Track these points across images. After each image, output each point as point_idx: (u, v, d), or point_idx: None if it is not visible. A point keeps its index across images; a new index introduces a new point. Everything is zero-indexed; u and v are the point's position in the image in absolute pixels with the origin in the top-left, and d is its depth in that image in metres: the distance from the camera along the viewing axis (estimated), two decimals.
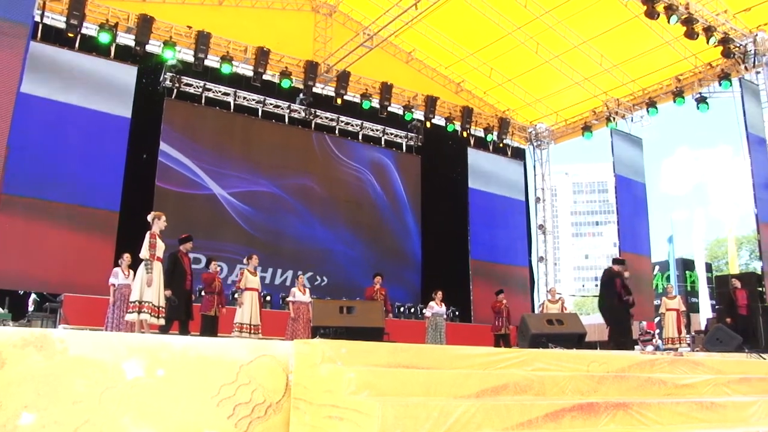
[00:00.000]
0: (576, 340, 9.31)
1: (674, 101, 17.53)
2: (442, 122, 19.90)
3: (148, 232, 8.55)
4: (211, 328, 10.93)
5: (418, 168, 20.42)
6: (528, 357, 5.86)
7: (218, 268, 11.68)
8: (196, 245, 10.86)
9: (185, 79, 16.37)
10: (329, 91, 18.17)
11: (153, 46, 15.55)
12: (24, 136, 13.02)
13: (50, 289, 13.24)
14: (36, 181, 13.36)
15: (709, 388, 6.21)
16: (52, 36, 14.28)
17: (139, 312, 8.31)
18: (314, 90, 17.73)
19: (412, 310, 17.88)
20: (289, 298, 12.41)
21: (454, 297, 17.60)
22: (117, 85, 14.79)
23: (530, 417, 4.29)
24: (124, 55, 15.16)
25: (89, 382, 4.01)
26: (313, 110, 18.28)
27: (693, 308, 25.49)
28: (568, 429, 4.41)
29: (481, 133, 20.68)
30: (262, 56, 16.56)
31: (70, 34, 14.26)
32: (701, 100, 17.09)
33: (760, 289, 14.88)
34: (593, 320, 23.53)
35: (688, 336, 15.81)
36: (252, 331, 11.02)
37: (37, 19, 13.52)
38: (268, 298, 15.15)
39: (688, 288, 27.99)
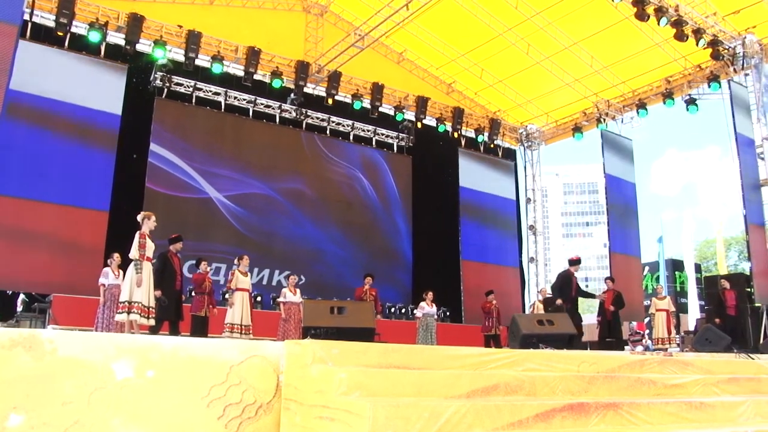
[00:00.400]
0: (566, 340, 9.33)
1: (664, 103, 17.61)
2: (433, 123, 19.93)
3: (138, 232, 8.52)
4: (201, 328, 10.90)
5: (409, 168, 20.42)
6: (519, 357, 5.87)
7: (208, 269, 11.64)
8: (186, 246, 10.83)
9: (176, 79, 16.30)
10: (320, 91, 18.16)
11: (143, 46, 15.49)
12: (13, 135, 12.97)
13: (39, 290, 13.15)
14: (25, 181, 13.29)
15: (698, 388, 6.23)
16: (42, 35, 14.18)
17: (129, 312, 8.27)
18: (305, 90, 17.72)
19: (403, 310, 17.87)
20: (280, 299, 12.39)
21: (444, 297, 17.61)
22: (107, 84, 14.74)
23: (521, 417, 4.29)
24: (114, 54, 15.10)
25: (79, 383, 3.99)
26: (304, 110, 18.24)
27: (682, 309, 25.61)
28: (558, 429, 4.42)
29: (472, 134, 20.72)
30: (253, 56, 16.53)
31: (60, 33, 14.19)
32: (691, 101, 17.17)
33: (749, 289, 14.97)
34: (584, 321, 23.60)
35: (677, 336, 15.90)
36: (243, 332, 11.01)
37: (27, 17, 13.46)
38: (259, 298, 15.12)
39: (678, 288, 28.13)
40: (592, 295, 13.89)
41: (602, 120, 19.14)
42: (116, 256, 10.71)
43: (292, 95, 17.78)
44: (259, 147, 17.79)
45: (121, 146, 14.71)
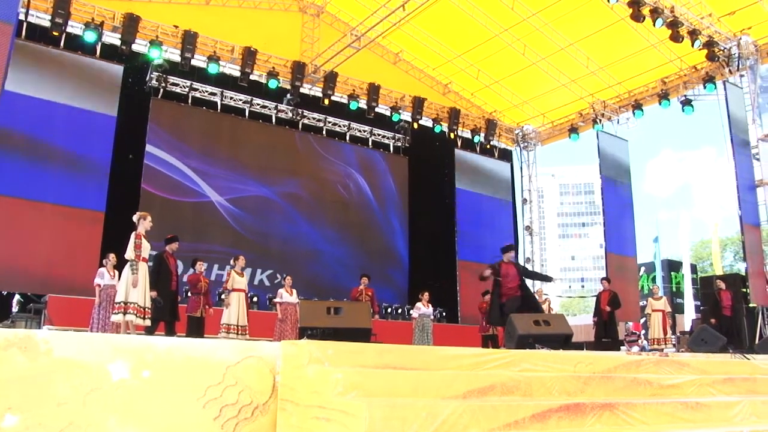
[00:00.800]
0: (563, 340, 9.33)
1: (660, 103, 17.64)
2: (429, 123, 19.93)
3: (134, 233, 8.50)
4: (197, 329, 10.88)
5: (405, 169, 20.43)
6: (515, 358, 5.87)
7: (203, 269, 11.62)
8: (182, 247, 10.81)
9: (171, 79, 16.30)
10: (316, 91, 18.15)
11: (139, 46, 15.46)
12: (8, 134, 12.95)
13: (34, 290, 13.14)
14: (21, 181, 13.26)
15: (694, 389, 6.23)
16: (37, 34, 14.16)
17: (125, 313, 8.26)
18: (301, 90, 17.72)
19: (399, 311, 17.87)
20: (277, 299, 12.39)
21: (441, 298, 17.61)
22: (103, 84, 14.73)
23: (517, 418, 4.29)
24: (109, 54, 15.08)
25: (74, 384, 3.98)
26: (300, 111, 18.25)
27: (678, 309, 25.65)
28: (554, 429, 4.42)
29: (468, 135, 20.74)
30: (249, 56, 16.52)
31: (55, 33, 14.18)
32: (686, 102, 17.23)
33: (744, 290, 15.01)
34: (580, 321, 23.65)
35: (673, 337, 15.92)
36: (239, 332, 11.00)
37: (22, 17, 13.42)
38: (255, 299, 15.11)
39: (674, 289, 28.19)
40: (545, 277, 13.62)
41: (598, 121, 19.16)
42: (112, 256, 10.70)
43: (288, 95, 17.79)
44: (256, 147, 17.79)
45: (117, 146, 14.68)
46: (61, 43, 14.41)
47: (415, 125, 19.57)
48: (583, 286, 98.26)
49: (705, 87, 16.65)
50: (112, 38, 15.16)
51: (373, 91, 18.54)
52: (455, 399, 4.61)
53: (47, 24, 14.19)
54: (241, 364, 4.52)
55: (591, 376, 5.83)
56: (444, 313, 18.39)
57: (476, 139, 20.71)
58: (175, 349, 4.38)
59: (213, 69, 16.15)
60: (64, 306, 12.35)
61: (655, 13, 14.10)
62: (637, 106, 18.35)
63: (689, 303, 27.78)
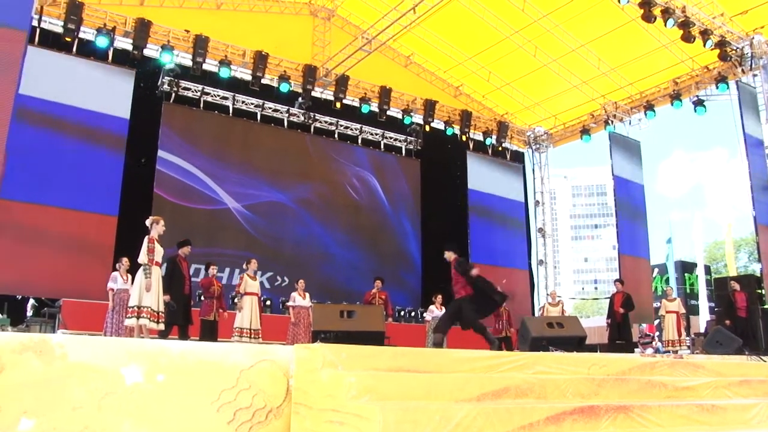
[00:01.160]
0: (576, 342, 9.31)
1: (672, 104, 17.53)
2: (441, 126, 19.91)
3: (147, 237, 8.53)
4: (210, 332, 10.91)
5: (417, 172, 20.42)
6: (529, 360, 5.85)
7: (215, 272, 11.65)
8: (195, 252, 10.84)
9: (183, 83, 16.37)
10: (328, 95, 18.16)
11: (151, 50, 15.53)
12: (22, 140, 13.02)
13: (49, 294, 13.21)
14: (34, 186, 13.34)
15: (709, 391, 6.20)
16: (50, 40, 14.24)
17: (138, 317, 8.28)
18: (313, 94, 17.73)
19: (413, 314, 17.86)
20: (290, 303, 12.40)
21: None
22: (115, 89, 14.78)
23: (531, 420, 4.28)
24: (121, 59, 15.14)
25: (89, 388, 3.99)
26: (311, 114, 18.28)
27: (692, 310, 25.50)
28: None
29: (480, 137, 20.69)
30: (260, 60, 16.55)
31: (68, 39, 14.25)
32: (698, 103, 17.10)
33: (759, 291, 14.91)
34: (593, 323, 23.55)
35: (687, 338, 15.80)
36: (252, 336, 11.01)
37: (35, 23, 13.52)
38: (268, 302, 15.14)
39: (688, 290, 28.02)
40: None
41: (610, 122, 19.08)
42: (125, 260, 10.75)
43: (299, 99, 17.80)
44: (267, 151, 17.82)
45: (130, 151, 14.75)
46: (74, 49, 14.49)
47: (427, 128, 19.56)
48: (596, 288, 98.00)
49: (717, 87, 16.52)
50: (124, 43, 15.23)
51: (385, 94, 18.54)
52: (469, 402, 4.60)
53: (60, 30, 14.27)
54: (255, 368, 4.53)
55: (605, 378, 5.81)
56: None
57: (488, 141, 20.67)
58: (189, 353, 4.40)
59: (224, 73, 16.18)
60: (77, 310, 12.41)
61: (667, 13, 14.03)
62: (649, 107, 18.27)
63: (703, 304, 27.62)
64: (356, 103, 18.45)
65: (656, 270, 27.51)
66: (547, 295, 18.89)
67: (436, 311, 14.08)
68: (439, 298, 14.22)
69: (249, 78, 16.84)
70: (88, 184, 14.02)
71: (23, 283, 13.08)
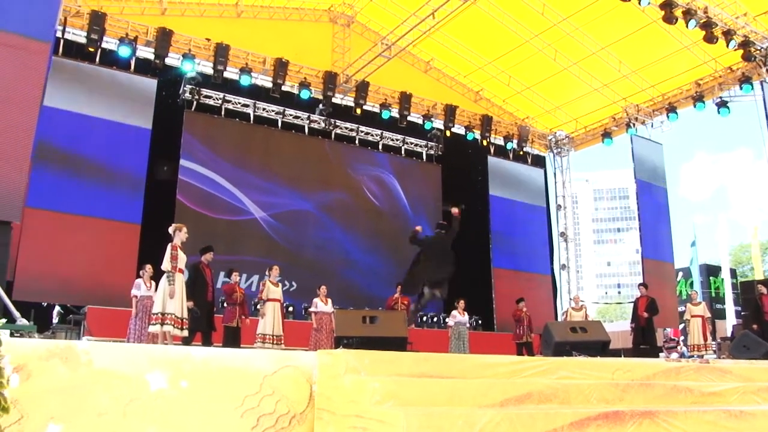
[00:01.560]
0: (600, 347, 9.23)
1: (694, 106, 17.37)
2: (461, 131, 19.88)
3: (170, 244, 8.59)
4: (233, 339, 10.95)
5: (438, 177, 20.38)
6: (552, 365, 5.81)
7: (237, 278, 11.70)
8: (217, 258, 10.90)
9: (205, 91, 16.49)
10: (348, 101, 18.20)
11: (172, 59, 15.67)
12: (47, 149, 13.19)
13: (74, 301, 13.37)
14: (59, 194, 13.51)
15: (737, 396, 6.11)
16: (74, 51, 14.47)
17: (162, 324, 8.34)
18: (333, 100, 17.77)
19: (435, 319, 17.81)
20: (312, 309, 12.42)
21: (476, 306, 17.49)
22: (137, 97, 14.95)
23: (555, 426, 4.25)
24: (144, 68, 15.32)
25: (114, 395, 4.03)
26: (332, 120, 18.33)
27: (718, 315, 25.21)
28: None
29: (501, 141, 20.64)
30: (280, 67, 16.64)
31: (91, 49, 14.44)
32: (722, 104, 16.90)
33: None
34: (617, 327, 23.36)
35: (713, 343, 15.64)
36: (275, 342, 11.04)
37: (59, 35, 13.70)
38: (291, 308, 15.17)
39: (713, 294, 27.72)
40: None
41: (632, 125, 18.94)
42: (148, 267, 10.84)
43: (320, 106, 17.86)
44: (289, 157, 17.89)
45: (152, 159, 14.91)
46: (97, 59, 14.67)
47: (448, 133, 19.55)
48: (619, 292, 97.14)
49: (741, 88, 16.33)
50: (146, 52, 15.41)
51: (405, 99, 18.55)
52: (492, 407, 4.58)
53: (83, 40, 14.48)
54: (278, 374, 4.54)
55: (629, 383, 5.75)
56: (480, 321, 18.28)
57: (509, 145, 20.62)
58: (212, 360, 4.42)
59: (245, 81, 16.29)
60: (102, 317, 12.52)
61: (688, 14, 13.89)
62: (671, 109, 18.09)
63: (730, 308, 27.29)
64: (377, 109, 18.49)
65: (680, 274, 27.24)
66: (570, 299, 18.78)
67: (458, 316, 14.05)
68: (462, 303, 14.17)
69: (270, 85, 16.94)
70: (111, 193, 14.17)
71: (49, 291, 13.24)
